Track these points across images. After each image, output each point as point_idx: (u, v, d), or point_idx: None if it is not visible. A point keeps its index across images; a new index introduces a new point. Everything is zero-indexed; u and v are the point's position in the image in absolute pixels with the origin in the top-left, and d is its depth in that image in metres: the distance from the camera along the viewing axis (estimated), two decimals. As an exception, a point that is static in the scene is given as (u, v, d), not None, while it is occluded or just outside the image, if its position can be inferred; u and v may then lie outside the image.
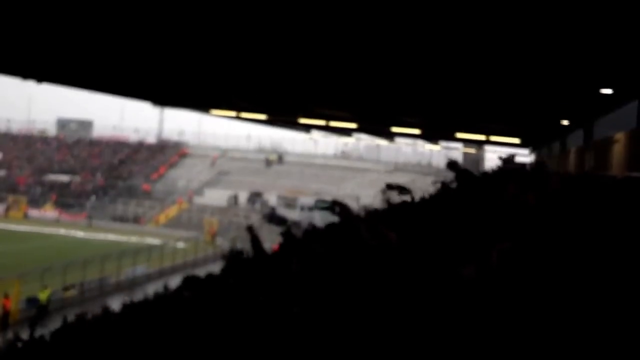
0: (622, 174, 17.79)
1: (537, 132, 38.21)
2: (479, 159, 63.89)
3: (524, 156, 55.78)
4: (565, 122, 29.40)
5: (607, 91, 19.45)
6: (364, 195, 60.89)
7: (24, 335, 8.43)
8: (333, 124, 46.96)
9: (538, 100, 24.13)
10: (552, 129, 33.74)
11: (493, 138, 45.45)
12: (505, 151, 54.64)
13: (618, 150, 19.81)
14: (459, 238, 5.75)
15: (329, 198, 57.81)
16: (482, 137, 46.18)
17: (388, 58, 18.15)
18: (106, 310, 9.35)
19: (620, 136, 19.81)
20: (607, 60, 15.67)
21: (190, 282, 9.42)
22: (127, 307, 9.03)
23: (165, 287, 15.64)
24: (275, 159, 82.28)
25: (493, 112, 29.97)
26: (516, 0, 11.23)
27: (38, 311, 32.63)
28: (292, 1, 12.89)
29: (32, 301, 33.70)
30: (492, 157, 59.51)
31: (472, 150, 65.79)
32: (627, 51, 14.42)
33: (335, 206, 6.16)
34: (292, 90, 28.92)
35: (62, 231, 63.34)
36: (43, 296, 33.58)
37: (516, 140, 46.68)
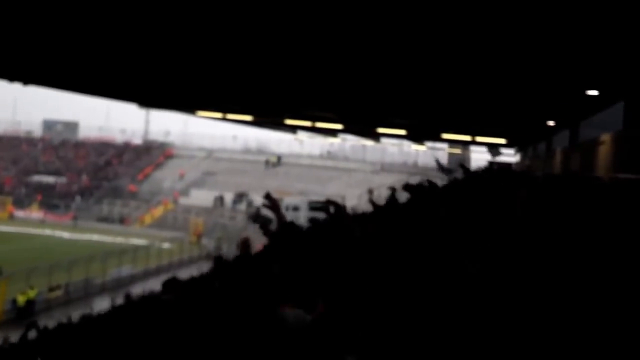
0: (609, 175, 17.92)
1: (522, 132, 38.36)
2: (464, 159, 64.08)
3: (510, 156, 56.24)
4: (551, 123, 29.51)
5: (593, 92, 19.54)
6: (350, 195, 60.94)
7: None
8: (319, 124, 47.03)
9: (524, 101, 24.22)
10: (538, 130, 33.87)
11: (479, 138, 45.63)
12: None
13: (604, 151, 19.90)
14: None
15: (315, 198, 57.97)
16: (467, 138, 46.35)
17: (373, 60, 18.17)
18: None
19: (606, 137, 19.92)
20: (593, 61, 15.76)
21: (170, 285, 9.37)
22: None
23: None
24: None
25: (479, 113, 30.06)
26: (503, 2, 11.27)
27: (17, 313, 32.50)
28: (277, 3, 12.88)
29: (16, 303, 33.60)
30: (478, 157, 59.84)
31: (457, 151, 66.01)
32: (612, 53, 14.50)
33: (329, 206, 6.13)
34: (278, 92, 28.91)
35: (48, 232, 63.10)
36: (22, 299, 33.43)
37: (502, 141, 46.87)
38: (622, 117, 20.25)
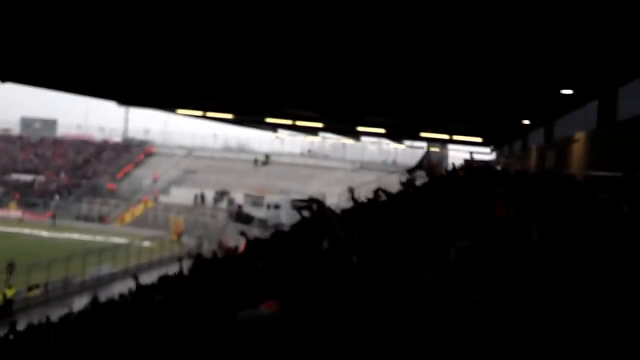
0: (583, 173, 18.19)
1: (498, 131, 38.68)
2: (442, 157, 64.48)
3: (486, 154, 56.61)
4: (526, 122, 29.83)
5: (568, 92, 19.83)
6: (330, 193, 61.12)
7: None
8: (299, 123, 47.10)
9: (500, 101, 24.50)
10: (513, 128, 34.20)
11: (456, 137, 45.93)
12: (468, 149, 55.32)
13: (578, 149, 20.18)
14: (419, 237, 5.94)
15: (296, 196, 58.04)
16: (445, 136, 46.65)
17: (353, 60, 18.34)
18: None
19: (580, 135, 20.19)
20: (568, 61, 16.00)
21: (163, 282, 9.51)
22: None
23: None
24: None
25: (456, 112, 30.30)
26: (478, 4, 11.45)
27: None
28: (257, 2, 13.01)
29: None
30: (455, 155, 60.18)
31: (436, 149, 66.38)
32: (587, 53, 14.75)
33: (312, 204, 6.21)
34: (258, 91, 28.99)
35: (26, 231, 62.80)
36: None
37: (478, 139, 47.20)
38: (596, 116, 20.51)
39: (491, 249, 4.84)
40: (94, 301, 15.64)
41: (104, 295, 26.61)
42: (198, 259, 11.22)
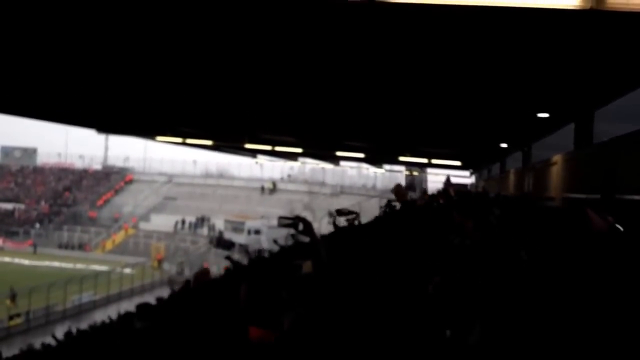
0: (560, 196, 18.41)
1: (477, 154, 38.99)
2: (421, 181, 64.83)
3: (465, 178, 57.01)
4: (504, 145, 30.15)
5: (544, 115, 20.13)
6: (311, 218, 61.10)
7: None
8: (279, 148, 47.26)
9: (478, 125, 24.78)
10: (491, 152, 34.51)
11: (435, 161, 46.24)
12: (446, 173, 55.83)
13: (555, 171, 20.39)
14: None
15: (275, 222, 58.01)
16: (424, 160, 46.95)
17: (332, 85, 18.53)
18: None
19: (557, 158, 20.42)
20: (544, 86, 16.28)
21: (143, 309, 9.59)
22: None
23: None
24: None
25: (435, 136, 30.58)
26: (456, 32, 11.68)
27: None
28: (234, 29, 13.18)
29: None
30: (434, 179, 60.60)
31: (415, 173, 66.73)
32: (562, 77, 15.03)
33: (298, 223, 6.35)
34: (237, 117, 29.14)
35: (7, 259, 62.32)
36: None
37: (457, 163, 47.53)
38: (573, 138, 20.75)
39: (466, 282, 4.91)
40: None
41: (85, 324, 26.53)
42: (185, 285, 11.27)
